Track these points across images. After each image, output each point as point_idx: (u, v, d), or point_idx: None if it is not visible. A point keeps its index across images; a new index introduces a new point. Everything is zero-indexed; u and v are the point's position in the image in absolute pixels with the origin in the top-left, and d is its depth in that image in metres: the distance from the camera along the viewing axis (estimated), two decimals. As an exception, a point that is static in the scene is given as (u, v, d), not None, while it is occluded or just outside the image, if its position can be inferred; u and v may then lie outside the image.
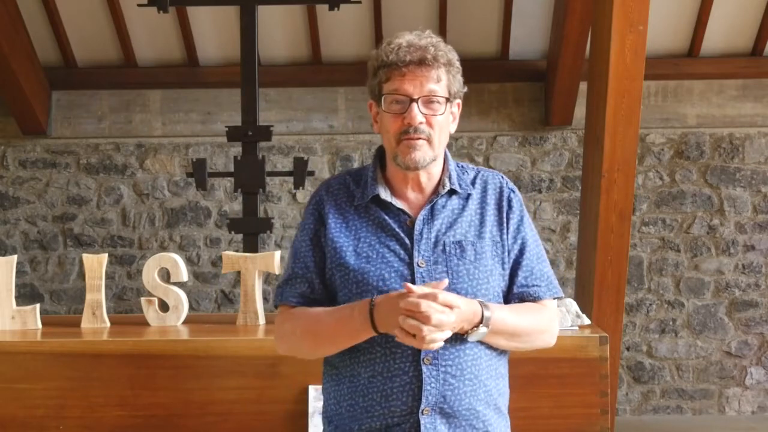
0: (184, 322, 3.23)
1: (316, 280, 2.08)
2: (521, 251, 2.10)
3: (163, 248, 6.52)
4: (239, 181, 4.97)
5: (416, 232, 2.03)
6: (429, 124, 2.02)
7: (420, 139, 2.01)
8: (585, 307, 4.61)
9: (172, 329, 3.13)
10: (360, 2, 5.27)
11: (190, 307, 3.59)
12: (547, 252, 6.51)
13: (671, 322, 6.55)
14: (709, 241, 6.56)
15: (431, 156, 2.04)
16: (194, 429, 2.73)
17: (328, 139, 6.60)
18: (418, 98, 2.01)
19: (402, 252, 2.03)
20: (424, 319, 1.84)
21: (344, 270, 2.03)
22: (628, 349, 6.52)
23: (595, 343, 2.72)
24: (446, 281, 1.93)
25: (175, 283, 3.27)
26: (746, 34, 6.41)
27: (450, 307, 1.88)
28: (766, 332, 6.53)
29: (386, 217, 2.06)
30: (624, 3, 4.56)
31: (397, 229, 2.05)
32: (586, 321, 2.90)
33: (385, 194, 2.07)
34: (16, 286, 3.25)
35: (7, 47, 5.95)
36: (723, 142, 6.57)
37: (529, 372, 2.65)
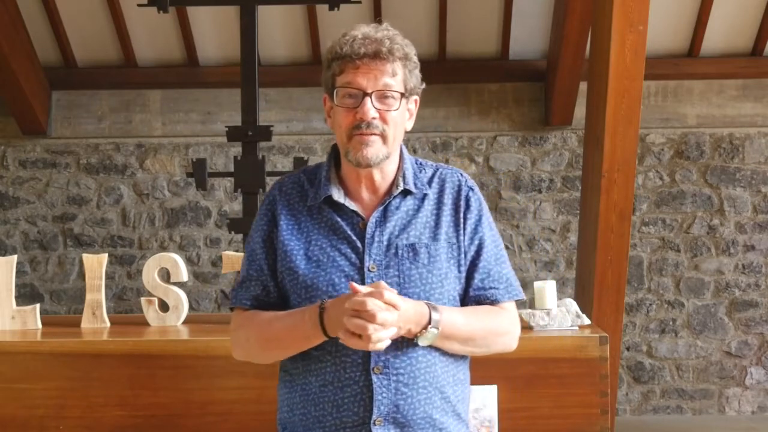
0: (184, 322, 3.23)
1: (270, 283, 2.02)
2: (478, 252, 2.03)
3: (163, 248, 6.52)
4: (239, 181, 4.97)
5: (368, 235, 1.96)
6: (383, 119, 1.95)
7: (373, 135, 1.94)
8: (585, 307, 4.61)
9: (172, 329, 3.13)
10: (360, 2, 5.27)
11: (190, 307, 3.60)
12: (547, 252, 6.53)
13: (671, 322, 6.55)
14: (709, 241, 6.56)
15: (384, 153, 1.96)
16: (194, 429, 2.73)
17: (328, 139, 6.60)
18: (372, 92, 1.93)
19: (353, 256, 1.96)
20: (369, 317, 1.78)
21: (294, 274, 1.97)
22: (628, 349, 6.52)
23: (595, 343, 2.72)
24: (382, 282, 1.87)
25: (175, 283, 3.27)
26: (746, 34, 6.41)
27: (394, 306, 1.82)
28: (766, 332, 6.53)
29: (338, 219, 1.99)
30: (624, 3, 4.56)
31: (349, 232, 1.98)
32: (586, 321, 2.90)
33: (338, 195, 2.00)
34: (16, 286, 3.25)
35: (7, 47, 5.95)
36: (723, 142, 6.57)
37: (529, 372, 2.65)
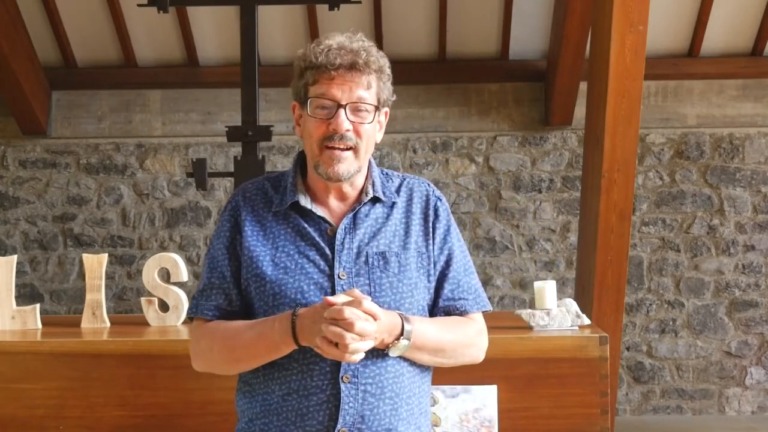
0: (184, 322, 3.23)
1: (233, 291, 1.97)
2: (447, 263, 2.01)
3: (163, 248, 6.52)
4: (239, 181, 4.97)
5: (337, 242, 1.93)
6: (356, 132, 1.92)
7: (346, 149, 1.91)
8: (585, 307, 4.61)
9: (172, 329, 3.13)
10: (360, 2, 5.27)
11: (190, 307, 3.59)
12: (547, 252, 6.53)
13: (671, 322, 6.55)
14: (709, 241, 6.56)
15: (356, 167, 1.94)
16: (194, 429, 2.73)
17: (328, 139, 6.59)
18: (346, 104, 1.91)
19: (322, 263, 1.92)
20: (348, 326, 1.74)
21: (260, 281, 1.93)
22: (628, 349, 6.52)
23: (595, 343, 2.72)
24: (356, 290, 1.84)
25: (175, 283, 3.27)
26: (746, 34, 6.41)
27: (373, 316, 1.79)
28: (766, 332, 6.53)
29: (306, 225, 1.96)
30: (624, 3, 4.56)
31: (318, 239, 1.94)
32: (586, 321, 2.90)
33: (305, 201, 1.97)
34: (16, 286, 3.25)
35: (7, 47, 5.95)
36: (723, 142, 6.57)
37: (529, 372, 2.65)
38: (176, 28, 6.37)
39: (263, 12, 5.48)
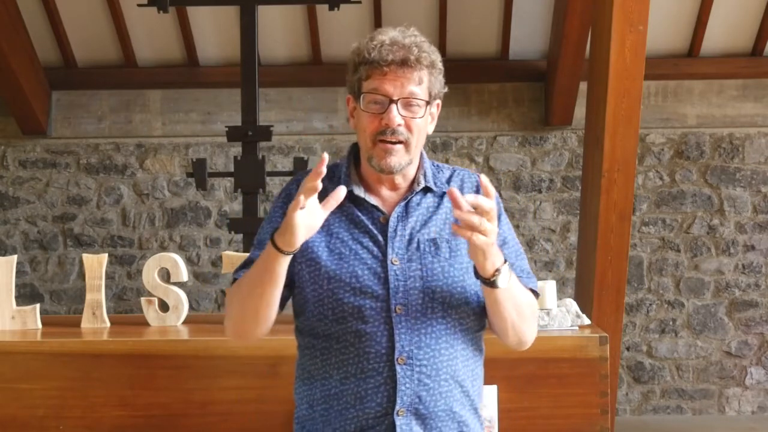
0: (184, 322, 3.23)
1: None
2: (500, 247, 2.01)
3: (163, 248, 6.52)
4: (239, 181, 4.97)
5: (390, 230, 1.99)
6: (407, 126, 1.97)
7: (398, 143, 1.96)
8: (585, 307, 4.61)
9: (172, 329, 3.13)
10: (360, 2, 5.27)
11: (190, 307, 3.59)
12: (547, 252, 6.53)
13: (671, 322, 6.55)
14: (709, 241, 6.57)
15: (407, 160, 1.99)
16: (194, 429, 2.73)
17: (328, 139, 6.60)
18: (398, 100, 1.95)
19: (375, 249, 1.98)
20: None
21: (315, 265, 1.98)
22: (628, 349, 6.52)
23: (595, 343, 2.72)
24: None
25: (175, 283, 3.27)
26: (746, 34, 6.41)
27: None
28: (766, 332, 6.53)
29: (359, 214, 2.01)
30: (624, 3, 4.56)
31: (371, 226, 2.00)
32: (586, 321, 2.90)
33: (358, 190, 2.02)
34: (16, 286, 3.25)
35: (7, 47, 5.95)
36: (723, 142, 6.57)
37: (529, 372, 2.65)
38: (176, 28, 6.37)
39: (263, 12, 5.48)
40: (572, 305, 2.90)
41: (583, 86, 5.88)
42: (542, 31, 6.40)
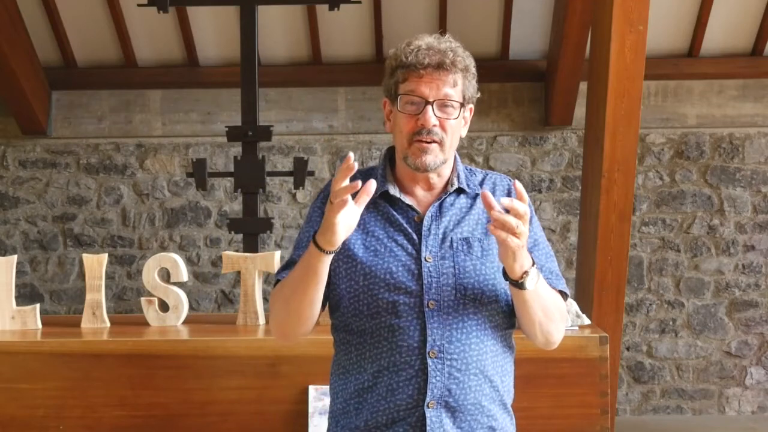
0: (184, 322, 3.23)
1: None
2: (530, 250, 2.07)
3: (163, 248, 6.53)
4: (239, 181, 4.97)
5: (424, 228, 2.05)
6: (442, 127, 2.03)
7: (433, 142, 2.02)
8: (585, 307, 4.61)
9: (172, 329, 3.13)
10: (360, 2, 5.27)
11: (190, 307, 3.60)
12: (547, 252, 6.54)
13: (671, 322, 6.55)
14: (709, 241, 6.57)
15: (441, 159, 2.05)
16: (194, 429, 2.73)
17: (328, 139, 6.60)
18: (434, 101, 2.02)
19: (410, 247, 2.03)
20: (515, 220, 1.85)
21: (351, 262, 2.04)
22: (628, 349, 6.52)
23: (595, 343, 2.72)
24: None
25: (175, 283, 3.27)
26: (746, 34, 6.41)
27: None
28: (766, 332, 6.54)
29: (395, 213, 2.08)
30: (624, 3, 4.56)
31: (405, 225, 2.06)
32: (586, 321, 2.90)
33: (394, 190, 2.09)
34: (16, 286, 3.25)
35: (7, 47, 5.95)
36: (723, 142, 6.57)
37: (529, 372, 2.65)
38: (176, 28, 6.37)
39: (263, 12, 5.48)
40: (572, 305, 2.90)
41: (583, 86, 5.88)
42: (542, 31, 6.40)
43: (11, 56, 6.00)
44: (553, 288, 2.08)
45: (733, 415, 6.51)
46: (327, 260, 1.93)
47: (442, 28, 6.24)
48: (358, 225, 2.01)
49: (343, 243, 2.01)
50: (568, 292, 2.15)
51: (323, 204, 2.09)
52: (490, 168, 6.54)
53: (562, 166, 6.59)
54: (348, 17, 6.03)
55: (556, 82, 6.19)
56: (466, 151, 6.52)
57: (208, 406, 2.73)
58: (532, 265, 1.93)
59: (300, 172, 4.97)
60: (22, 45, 6.19)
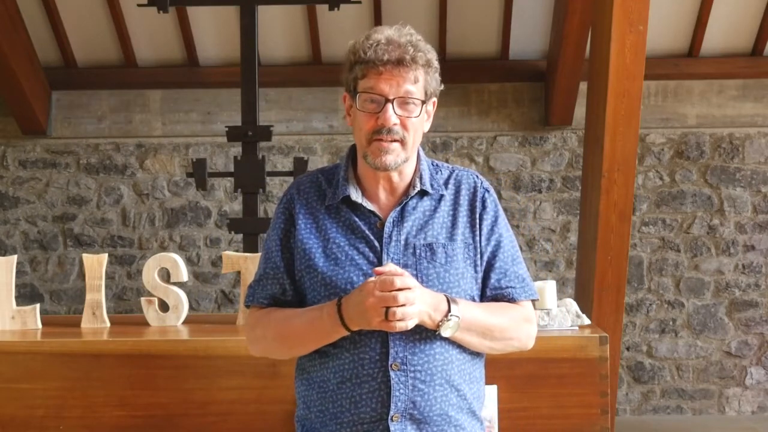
0: (184, 322, 3.23)
1: (286, 281, 2.05)
2: (494, 253, 2.05)
3: (163, 248, 6.52)
4: (239, 181, 4.97)
5: (385, 235, 1.99)
6: (403, 125, 1.98)
7: (393, 141, 1.97)
8: (585, 307, 4.61)
9: (172, 329, 3.13)
10: (360, 2, 5.27)
11: (190, 307, 3.59)
12: (547, 252, 6.53)
13: (671, 322, 6.55)
14: (709, 241, 6.56)
15: (403, 158, 2.00)
16: (194, 429, 2.73)
17: (328, 139, 6.60)
18: (394, 99, 1.96)
19: (371, 255, 1.99)
20: (391, 286, 1.84)
21: (312, 272, 2.00)
22: (628, 349, 6.52)
23: (595, 343, 2.72)
24: (391, 264, 1.91)
25: (175, 283, 3.26)
26: (746, 34, 6.41)
27: (409, 288, 1.86)
28: (766, 332, 6.53)
29: (356, 219, 2.02)
30: (624, 3, 4.56)
31: (367, 231, 2.01)
32: (586, 321, 2.90)
33: (356, 195, 2.03)
34: (16, 286, 3.25)
35: (7, 47, 5.95)
36: (723, 142, 6.57)
37: (529, 372, 2.65)
38: (176, 28, 6.37)
39: (263, 12, 5.49)
40: (572, 305, 2.90)
41: (583, 86, 5.88)
42: (542, 31, 6.40)
43: (11, 56, 6.00)
44: (513, 300, 2.04)
45: (733, 415, 6.51)
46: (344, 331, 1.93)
47: (442, 28, 6.25)
48: (319, 232, 2.00)
49: (305, 253, 2.00)
50: (536, 297, 2.12)
51: (286, 209, 2.06)
52: (491, 168, 6.54)
53: (562, 166, 6.59)
54: (348, 17, 6.03)
55: (556, 82, 6.19)
56: (466, 151, 6.52)
57: (208, 406, 2.73)
58: (447, 313, 1.90)
59: (300, 172, 4.97)
60: (22, 45, 6.19)
